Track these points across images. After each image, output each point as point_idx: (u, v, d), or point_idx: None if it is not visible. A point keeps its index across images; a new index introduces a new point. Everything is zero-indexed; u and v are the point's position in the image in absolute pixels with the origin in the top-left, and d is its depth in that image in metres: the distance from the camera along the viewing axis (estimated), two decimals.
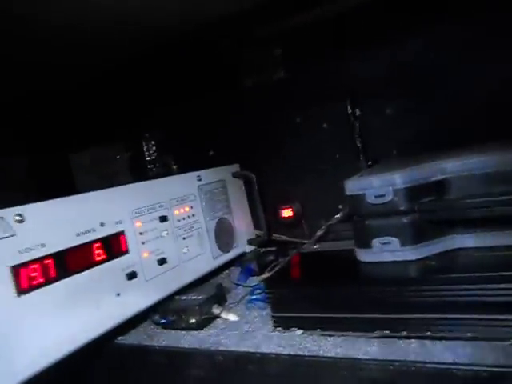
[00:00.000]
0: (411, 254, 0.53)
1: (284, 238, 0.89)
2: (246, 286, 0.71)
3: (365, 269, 0.55)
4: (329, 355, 0.46)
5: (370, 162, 0.84)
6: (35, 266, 0.48)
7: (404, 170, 0.54)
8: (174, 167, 0.98)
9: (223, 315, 0.62)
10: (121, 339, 0.60)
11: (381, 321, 0.49)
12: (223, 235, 0.79)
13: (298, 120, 0.90)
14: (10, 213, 0.46)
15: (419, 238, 0.53)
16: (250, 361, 0.49)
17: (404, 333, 0.48)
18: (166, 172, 0.97)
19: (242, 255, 0.84)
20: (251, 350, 0.51)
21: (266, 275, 0.73)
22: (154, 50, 0.84)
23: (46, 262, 0.49)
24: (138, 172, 1.00)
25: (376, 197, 0.54)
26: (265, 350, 0.50)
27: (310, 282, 0.55)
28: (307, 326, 0.54)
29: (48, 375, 0.48)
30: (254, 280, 0.74)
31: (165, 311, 0.63)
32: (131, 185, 0.63)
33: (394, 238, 0.54)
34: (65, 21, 0.62)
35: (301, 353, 0.48)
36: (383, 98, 0.81)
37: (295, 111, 0.90)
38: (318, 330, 0.53)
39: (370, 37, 0.80)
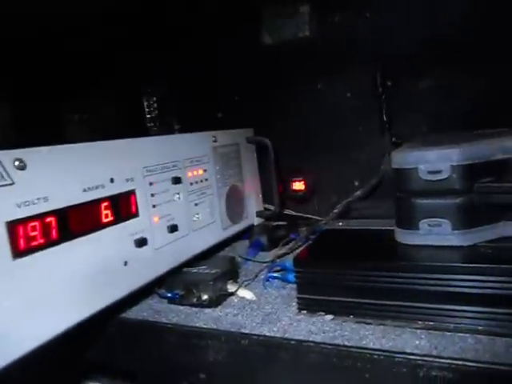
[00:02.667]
0: (462, 239, 0.47)
1: (297, 213, 0.82)
2: (260, 262, 0.65)
3: (408, 252, 0.49)
4: (376, 347, 0.41)
5: (394, 139, 0.78)
6: (35, 223, 0.40)
7: (463, 146, 0.48)
8: (177, 127, 0.90)
9: (239, 293, 0.56)
10: (124, 313, 0.53)
11: (425, 311, 0.44)
12: (234, 204, 0.72)
13: (320, 86, 0.82)
14: (9, 156, 0.38)
15: (473, 222, 0.47)
16: (281, 347, 0.43)
17: (451, 326, 0.43)
18: (168, 133, 0.88)
19: (251, 228, 0.77)
20: (280, 335, 0.44)
21: (281, 251, 0.67)
22: None
23: (48, 219, 0.41)
24: (137, 130, 0.91)
25: (430, 172, 0.48)
26: (295, 335, 0.44)
27: (341, 263, 0.49)
28: (338, 311, 0.48)
29: (45, 352, 0.41)
30: (266, 256, 0.68)
31: (172, 285, 0.56)
32: (144, 138, 0.55)
33: (445, 220, 0.47)
34: None
35: (340, 342, 0.42)
36: (418, 69, 0.75)
37: (317, 76, 0.82)
38: (351, 316, 0.47)
39: None
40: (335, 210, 0.74)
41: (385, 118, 0.78)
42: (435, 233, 0.48)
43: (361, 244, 0.54)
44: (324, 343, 0.42)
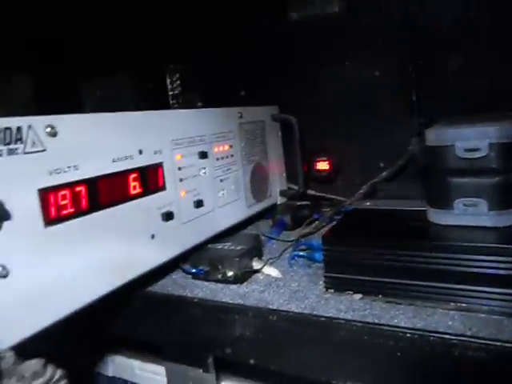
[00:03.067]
0: (497, 219, 0.46)
1: (321, 193, 0.81)
2: (284, 241, 0.64)
3: (441, 232, 0.48)
4: (408, 326, 0.40)
5: (423, 120, 0.76)
6: (65, 192, 0.39)
7: (502, 124, 0.46)
8: (200, 105, 0.88)
9: (264, 270, 0.55)
10: (149, 286, 0.53)
11: (457, 292, 0.43)
12: (258, 182, 0.71)
13: (347, 63, 0.80)
14: (41, 122, 0.37)
15: (509, 203, 0.46)
16: (310, 324, 0.42)
17: (485, 308, 0.42)
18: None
19: (274, 207, 0.76)
20: (308, 312, 0.44)
21: (306, 230, 0.66)
22: None
23: (78, 188, 0.40)
24: (159, 107, 0.90)
25: (467, 150, 0.46)
26: (323, 313, 0.44)
27: (372, 241, 0.48)
28: (367, 290, 0.47)
29: (70, 323, 0.40)
30: (290, 235, 0.67)
31: (197, 260, 0.55)
32: (172, 111, 0.54)
33: (481, 200, 0.46)
34: None
35: (370, 320, 0.41)
36: (449, 48, 0.72)
37: (345, 53, 0.80)
38: (380, 295, 0.46)
39: None
40: (360, 191, 0.72)
41: (414, 98, 0.76)
42: (470, 213, 0.47)
43: (390, 223, 0.53)
44: (354, 321, 0.41)
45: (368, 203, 0.62)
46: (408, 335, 0.39)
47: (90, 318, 0.45)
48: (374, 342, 0.40)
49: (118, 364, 0.69)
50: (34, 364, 0.32)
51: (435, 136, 0.48)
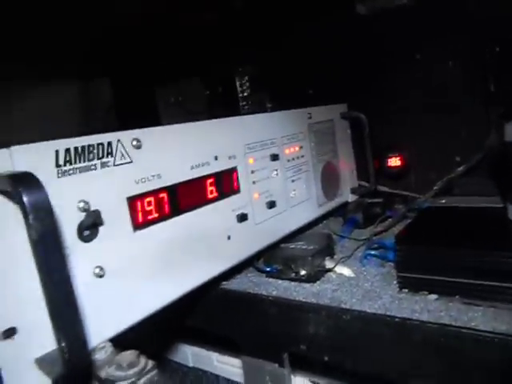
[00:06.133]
0: None
1: (393, 190, 0.80)
2: (355, 239, 0.64)
3: None
4: (487, 329, 0.39)
5: (502, 111, 0.72)
6: (150, 199, 0.43)
7: None
8: (269, 106, 0.90)
9: (337, 269, 0.56)
10: (225, 284, 0.56)
11: None
12: (329, 181, 0.71)
13: (418, 57, 0.78)
14: (128, 136, 0.41)
15: None
16: (385, 325, 0.43)
17: None
18: (260, 111, 0.90)
19: (345, 205, 0.76)
20: (382, 312, 0.44)
21: (378, 229, 0.65)
22: None
23: (161, 195, 0.44)
24: (230, 109, 0.93)
25: None
26: (397, 313, 0.44)
27: (448, 240, 0.47)
28: (443, 290, 0.46)
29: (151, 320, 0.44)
30: (362, 233, 0.67)
31: (271, 259, 0.57)
32: (243, 117, 0.56)
33: None
34: None
35: (447, 322, 0.41)
36: None
37: (415, 46, 0.77)
38: (457, 296, 0.45)
39: None
40: (435, 187, 0.70)
41: (492, 89, 0.72)
42: None
43: (468, 222, 0.52)
44: (430, 322, 0.41)
45: (443, 200, 0.60)
46: (487, 339, 0.38)
47: (172, 313, 0.48)
48: (450, 345, 0.39)
49: (197, 355, 0.73)
50: (130, 354, 0.36)
51: None
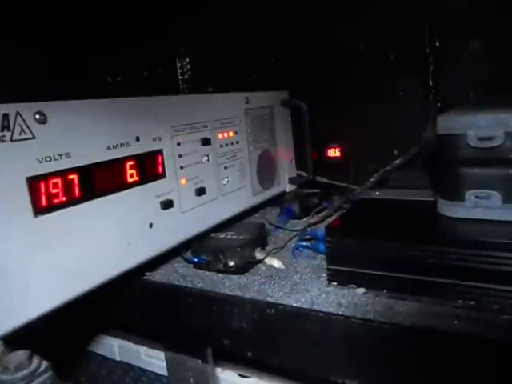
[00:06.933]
0: None
1: (331, 181, 0.78)
2: (290, 230, 0.63)
3: (450, 226, 0.46)
4: (412, 324, 0.38)
5: (439, 105, 0.73)
6: (57, 180, 0.38)
7: None
8: (210, 90, 0.87)
9: (267, 261, 0.54)
10: (149, 275, 0.52)
11: (465, 289, 0.41)
12: (266, 169, 0.69)
13: (362, 47, 0.77)
14: (29, 109, 0.36)
15: None
16: (308, 319, 0.41)
17: (495, 306, 0.40)
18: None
19: (282, 195, 0.74)
20: (308, 307, 0.42)
21: (313, 220, 0.64)
22: None
23: (70, 177, 0.40)
24: (170, 92, 0.88)
25: (480, 139, 0.43)
26: (323, 307, 0.42)
27: (379, 234, 0.46)
28: (371, 284, 0.45)
29: (64, 313, 0.40)
30: (297, 224, 0.66)
31: (199, 249, 0.54)
32: (172, 96, 0.52)
33: (495, 192, 0.43)
34: None
35: (371, 317, 0.40)
36: (467, 29, 0.68)
37: (358, 36, 0.76)
38: (384, 290, 0.44)
39: None
40: (371, 179, 0.69)
41: (430, 82, 0.72)
42: (483, 205, 0.44)
43: (399, 215, 0.51)
44: (355, 317, 0.39)
45: (377, 193, 0.59)
46: (408, 333, 0.37)
47: (88, 306, 0.44)
48: (375, 340, 0.38)
49: (124, 349, 0.69)
50: (20, 355, 0.31)
51: (446, 123, 0.46)
